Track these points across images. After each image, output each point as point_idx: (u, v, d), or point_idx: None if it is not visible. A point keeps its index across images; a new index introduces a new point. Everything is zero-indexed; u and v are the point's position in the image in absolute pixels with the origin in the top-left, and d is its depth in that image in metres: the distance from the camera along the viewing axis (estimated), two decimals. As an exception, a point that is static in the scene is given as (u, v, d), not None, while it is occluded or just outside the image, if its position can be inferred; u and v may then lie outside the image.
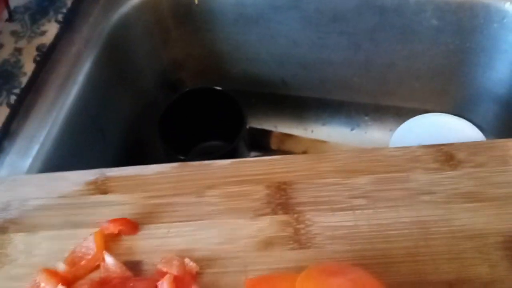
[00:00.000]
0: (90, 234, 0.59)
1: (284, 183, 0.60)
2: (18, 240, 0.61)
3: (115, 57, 0.88)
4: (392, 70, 0.98)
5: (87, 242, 0.58)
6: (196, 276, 0.55)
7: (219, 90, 0.97)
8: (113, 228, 0.58)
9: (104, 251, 0.57)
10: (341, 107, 1.09)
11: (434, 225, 0.56)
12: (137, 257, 0.58)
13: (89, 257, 0.57)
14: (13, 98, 0.73)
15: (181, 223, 0.60)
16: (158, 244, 0.58)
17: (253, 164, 0.63)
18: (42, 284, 0.55)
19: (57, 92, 0.79)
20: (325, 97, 1.08)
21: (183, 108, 0.97)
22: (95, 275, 0.57)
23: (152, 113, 0.95)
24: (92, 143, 0.84)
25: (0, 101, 0.74)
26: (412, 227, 0.55)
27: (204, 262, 0.56)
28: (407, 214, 0.57)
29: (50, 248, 0.60)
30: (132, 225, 0.59)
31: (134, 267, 0.57)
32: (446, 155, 0.60)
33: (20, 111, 0.75)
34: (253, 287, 0.48)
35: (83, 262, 0.57)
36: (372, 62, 0.97)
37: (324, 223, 0.57)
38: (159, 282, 0.53)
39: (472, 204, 0.56)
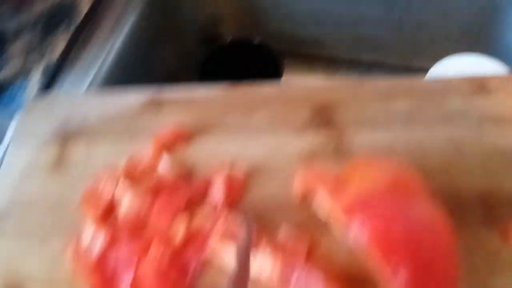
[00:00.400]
0: (147, 144, 0.63)
1: (327, 104, 0.65)
2: (79, 148, 0.66)
3: (162, 6, 0.93)
4: (424, 30, 1.01)
5: (143, 150, 0.63)
6: (244, 183, 0.59)
7: (258, 43, 1.02)
8: (168, 136, 0.62)
9: (160, 157, 0.62)
10: (372, 68, 1.13)
11: (467, 142, 0.59)
12: (189, 166, 0.62)
13: (146, 163, 0.62)
14: (72, 29, 0.79)
15: (230, 137, 0.64)
16: (210, 154, 0.63)
17: (297, 89, 0.67)
18: (104, 181, 0.60)
19: (111, 28, 0.84)
20: (357, 57, 1.12)
21: (222, 60, 1.02)
22: (151, 180, 0.61)
23: (193, 65, 1.00)
24: (138, 82, 0.89)
25: (60, 31, 0.79)
26: (447, 144, 0.59)
27: (252, 172, 0.60)
28: (442, 133, 0.60)
29: (109, 156, 0.65)
30: (185, 135, 0.63)
31: (187, 174, 0.62)
32: (479, 84, 0.64)
33: (79, 39, 0.81)
34: (304, 178, 0.52)
35: (140, 167, 0.62)
36: (404, 21, 1.01)
37: (365, 140, 0.61)
38: (213, 183, 0.58)
39: (504, 128, 0.60)
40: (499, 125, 0.60)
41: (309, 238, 0.53)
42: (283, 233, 0.54)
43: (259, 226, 0.55)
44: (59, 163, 0.65)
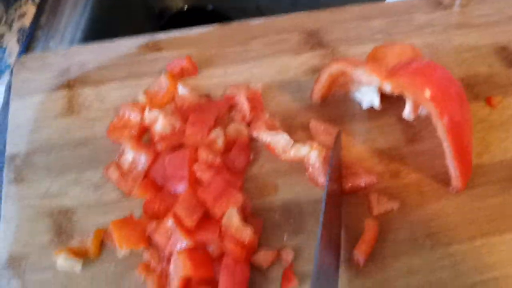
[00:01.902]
0: (160, 74, 0.66)
1: (316, 29, 0.72)
2: (87, 93, 0.67)
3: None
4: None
5: (159, 81, 0.66)
6: (261, 97, 0.64)
7: (211, 9, 1.07)
8: (179, 65, 0.66)
9: (175, 87, 0.65)
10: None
11: (440, 45, 0.70)
12: (204, 92, 0.66)
13: (164, 91, 0.65)
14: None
15: (234, 64, 0.69)
16: (219, 81, 0.67)
17: (285, 19, 0.74)
18: (127, 113, 0.62)
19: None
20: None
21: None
22: (170, 107, 0.64)
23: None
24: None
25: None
26: (423, 49, 0.70)
27: (264, 88, 0.66)
28: (416, 40, 0.71)
29: (120, 94, 0.67)
30: (193, 65, 0.67)
31: (204, 99, 0.66)
32: (437, 1, 0.76)
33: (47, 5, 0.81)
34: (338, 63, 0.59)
35: (159, 96, 0.65)
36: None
37: (357, 53, 0.69)
38: (236, 97, 0.63)
39: (465, 30, 0.72)
40: (461, 29, 0.72)
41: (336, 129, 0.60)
42: (314, 125, 0.60)
43: (286, 126, 0.61)
44: (71, 108, 0.66)
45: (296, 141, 0.59)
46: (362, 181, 0.55)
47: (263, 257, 0.51)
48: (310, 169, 0.56)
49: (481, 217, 0.55)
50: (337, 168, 0.55)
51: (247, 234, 0.51)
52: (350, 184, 0.55)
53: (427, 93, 0.49)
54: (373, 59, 0.57)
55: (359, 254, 0.51)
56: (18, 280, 0.52)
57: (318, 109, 0.63)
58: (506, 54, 0.69)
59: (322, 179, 0.55)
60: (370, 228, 0.53)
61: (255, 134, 0.59)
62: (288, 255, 0.52)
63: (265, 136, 0.59)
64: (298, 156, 0.57)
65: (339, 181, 0.55)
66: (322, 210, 0.50)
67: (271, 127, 0.59)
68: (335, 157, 0.55)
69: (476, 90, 0.65)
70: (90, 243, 0.53)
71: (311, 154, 0.56)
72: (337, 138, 0.57)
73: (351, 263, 0.52)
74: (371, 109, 0.62)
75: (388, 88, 0.51)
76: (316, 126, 0.60)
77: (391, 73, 0.50)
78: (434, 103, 0.48)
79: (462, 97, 0.53)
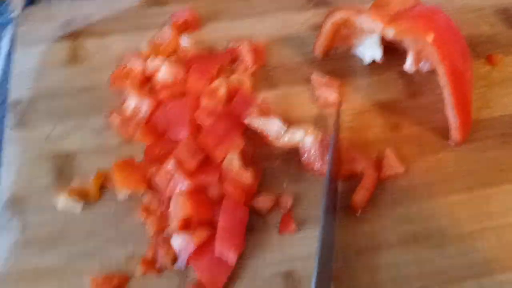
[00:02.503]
0: (164, 27, 0.66)
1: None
2: (91, 43, 0.67)
3: None
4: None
5: (163, 32, 0.66)
6: (264, 50, 0.65)
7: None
8: (183, 17, 0.66)
9: (179, 39, 0.65)
10: None
11: (442, 7, 0.69)
12: (207, 45, 0.66)
13: (167, 42, 0.65)
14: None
15: (237, 20, 0.69)
16: (222, 35, 0.67)
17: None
18: (130, 62, 0.62)
19: None
20: None
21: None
22: (173, 58, 0.64)
23: None
24: None
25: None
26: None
27: (267, 44, 0.66)
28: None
29: (123, 46, 0.67)
30: (197, 18, 0.67)
31: (207, 50, 0.66)
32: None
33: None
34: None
35: (162, 46, 0.65)
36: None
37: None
38: (239, 51, 0.63)
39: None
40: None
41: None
42: (316, 78, 0.61)
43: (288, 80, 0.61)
44: (74, 57, 0.66)
45: (296, 96, 0.59)
46: (359, 166, 0.54)
47: (262, 201, 0.52)
48: (306, 155, 0.55)
49: (480, 169, 0.55)
50: (336, 151, 0.54)
51: (247, 177, 0.51)
52: (348, 168, 0.54)
53: (430, 37, 0.49)
54: (377, 8, 0.57)
55: (358, 201, 0.52)
56: (18, 220, 0.53)
57: (320, 63, 0.64)
58: (508, 15, 0.69)
59: (318, 165, 0.54)
60: (369, 176, 0.53)
61: (246, 120, 0.57)
62: (287, 201, 0.52)
63: (257, 122, 0.56)
64: (292, 142, 0.55)
65: (338, 165, 0.54)
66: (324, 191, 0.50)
67: (264, 113, 0.57)
68: (335, 136, 0.54)
69: (478, 49, 0.65)
70: (90, 185, 0.53)
71: (306, 139, 0.55)
72: (337, 111, 0.57)
73: (349, 210, 0.52)
74: (372, 64, 0.62)
75: (390, 33, 0.51)
76: (318, 79, 0.61)
77: (394, 18, 0.51)
78: (436, 46, 0.48)
79: (464, 48, 0.53)
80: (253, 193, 0.52)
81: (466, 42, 0.58)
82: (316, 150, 0.54)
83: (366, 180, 0.53)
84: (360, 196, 0.52)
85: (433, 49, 0.49)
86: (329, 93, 0.59)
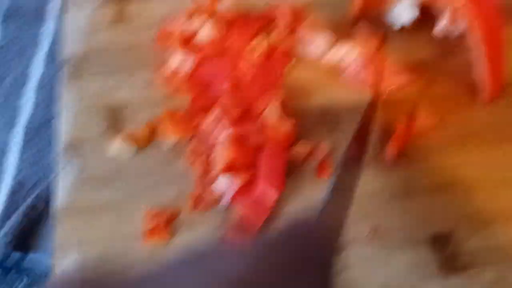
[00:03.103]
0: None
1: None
2: (135, 8, 0.71)
3: None
4: None
5: (203, -4, 0.69)
6: (302, 10, 0.67)
7: None
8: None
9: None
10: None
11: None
12: (245, 7, 0.69)
13: (207, 3, 0.68)
14: None
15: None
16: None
17: None
18: (175, 20, 0.66)
19: None
20: None
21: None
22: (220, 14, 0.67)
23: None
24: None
25: None
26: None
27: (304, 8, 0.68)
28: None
29: (166, 8, 0.70)
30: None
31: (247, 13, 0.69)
32: None
33: None
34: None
35: (203, 8, 0.68)
36: None
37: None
38: (278, 11, 0.66)
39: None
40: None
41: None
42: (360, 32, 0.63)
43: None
44: (120, 18, 0.70)
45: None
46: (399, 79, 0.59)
47: (301, 148, 0.55)
48: (350, 67, 0.59)
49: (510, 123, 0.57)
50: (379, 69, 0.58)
51: (286, 125, 0.55)
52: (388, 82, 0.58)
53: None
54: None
55: (391, 151, 0.55)
56: (77, 161, 0.57)
57: (355, 25, 0.66)
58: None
59: (361, 77, 0.59)
60: (402, 128, 0.56)
61: (299, 34, 0.62)
62: (324, 148, 0.56)
63: (307, 35, 0.62)
64: (339, 56, 0.60)
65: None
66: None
67: (315, 28, 0.62)
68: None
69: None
70: (142, 132, 0.58)
71: (352, 52, 0.59)
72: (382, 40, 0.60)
73: (380, 159, 0.55)
74: (403, 29, 0.64)
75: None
76: (363, 28, 0.63)
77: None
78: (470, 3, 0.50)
79: (497, 9, 0.55)
80: (291, 141, 0.56)
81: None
82: (360, 63, 0.59)
83: (399, 132, 0.56)
84: (394, 144, 0.55)
85: (467, 8, 0.51)
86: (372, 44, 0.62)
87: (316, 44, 0.61)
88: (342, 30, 0.65)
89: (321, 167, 0.55)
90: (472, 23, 0.52)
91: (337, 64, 0.62)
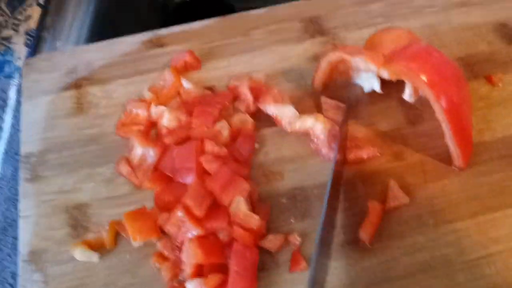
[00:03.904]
0: (165, 70, 0.68)
1: (316, 16, 0.73)
2: (95, 91, 0.69)
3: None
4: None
5: (163, 76, 0.67)
6: (265, 86, 0.66)
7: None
8: (183, 60, 0.68)
9: (180, 82, 0.67)
10: None
11: (439, 26, 0.71)
12: (208, 84, 0.68)
13: (169, 85, 0.66)
14: None
15: (237, 56, 0.71)
16: (223, 73, 0.69)
17: (285, 7, 0.75)
18: (134, 110, 0.64)
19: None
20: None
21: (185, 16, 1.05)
22: (180, 99, 0.66)
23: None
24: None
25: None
26: (422, 30, 0.70)
27: (267, 77, 0.67)
28: (416, 22, 0.72)
29: (126, 91, 0.69)
30: (196, 59, 0.69)
31: (208, 91, 0.67)
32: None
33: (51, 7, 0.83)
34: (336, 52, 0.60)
35: (164, 91, 0.66)
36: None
37: (355, 38, 0.70)
38: (238, 86, 0.64)
39: (464, 8, 0.72)
40: (461, 7, 0.72)
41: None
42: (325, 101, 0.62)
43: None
44: (80, 106, 0.68)
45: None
46: (365, 153, 0.57)
47: (272, 241, 0.53)
48: (315, 140, 0.59)
49: (484, 193, 0.56)
50: (343, 140, 0.57)
51: (254, 220, 0.53)
52: (353, 155, 0.57)
53: (424, 78, 0.50)
54: (371, 46, 0.58)
55: (365, 235, 0.53)
56: (40, 273, 0.55)
57: (320, 95, 0.64)
58: (506, 31, 0.69)
59: (326, 150, 0.58)
60: (374, 209, 0.54)
61: (262, 107, 0.62)
62: (295, 239, 0.54)
63: (272, 109, 0.61)
64: (304, 128, 0.60)
65: (343, 153, 0.57)
66: (329, 182, 0.52)
67: (279, 101, 0.61)
68: (342, 130, 0.57)
69: (476, 68, 0.66)
70: (105, 235, 0.55)
71: (317, 126, 0.59)
72: (345, 113, 0.59)
73: (356, 244, 0.54)
74: (372, 93, 0.63)
75: (385, 74, 0.53)
76: (327, 101, 0.62)
77: (388, 60, 0.52)
78: (431, 87, 0.49)
79: (459, 78, 0.54)
80: (262, 234, 0.54)
81: (463, 66, 0.59)
82: (325, 137, 0.58)
83: (372, 214, 0.54)
84: (367, 229, 0.53)
85: (428, 90, 0.50)
86: (337, 116, 0.61)
87: (282, 116, 0.60)
88: (307, 101, 0.64)
89: (294, 259, 0.53)
90: (434, 104, 0.50)
91: (303, 134, 0.60)
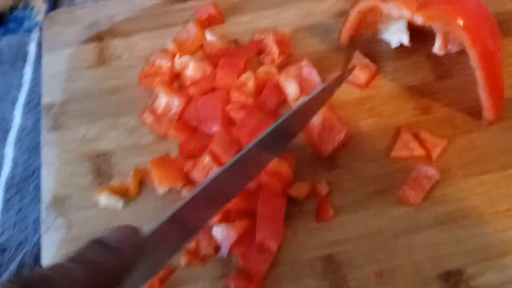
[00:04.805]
0: (188, 24, 0.67)
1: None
2: (117, 43, 0.68)
3: None
4: None
5: (187, 29, 0.66)
6: (289, 40, 0.65)
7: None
8: (206, 12, 0.67)
9: (204, 34, 0.66)
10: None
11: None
12: (231, 39, 0.67)
13: (192, 38, 0.66)
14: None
15: (261, 10, 0.69)
16: (247, 27, 0.68)
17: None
18: (158, 60, 0.63)
19: None
20: None
21: None
22: (199, 54, 0.65)
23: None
24: None
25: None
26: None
27: (292, 32, 0.66)
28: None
29: (149, 44, 0.68)
30: (220, 12, 0.68)
31: (232, 44, 0.66)
32: None
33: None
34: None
35: (188, 43, 0.65)
36: None
37: None
38: (264, 40, 0.63)
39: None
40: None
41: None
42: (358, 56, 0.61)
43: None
44: (102, 58, 0.67)
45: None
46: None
47: (298, 189, 0.53)
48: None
49: (513, 147, 0.55)
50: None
51: (282, 167, 0.52)
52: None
53: (460, 22, 0.49)
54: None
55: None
56: (63, 218, 0.54)
57: (347, 50, 0.64)
58: (535, -10, 0.68)
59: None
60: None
61: (281, 78, 0.60)
62: (323, 188, 0.53)
63: (283, 83, 0.59)
64: None
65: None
66: None
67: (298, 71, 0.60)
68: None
69: (506, 26, 0.65)
70: (130, 182, 0.55)
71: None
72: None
73: (386, 194, 0.53)
74: (399, 48, 0.62)
75: (419, 20, 0.52)
76: (359, 57, 0.61)
77: (422, 4, 0.51)
78: (467, 31, 0.48)
79: (494, 27, 0.53)
80: (289, 182, 0.53)
81: (493, 18, 0.57)
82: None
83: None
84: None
85: (464, 34, 0.49)
86: (363, 75, 0.59)
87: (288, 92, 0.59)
88: (333, 57, 0.63)
89: (321, 208, 0.52)
90: (470, 49, 0.49)
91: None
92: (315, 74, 0.60)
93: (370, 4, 0.55)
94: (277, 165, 0.52)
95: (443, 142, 0.54)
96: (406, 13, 0.52)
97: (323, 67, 0.62)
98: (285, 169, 0.52)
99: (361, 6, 0.56)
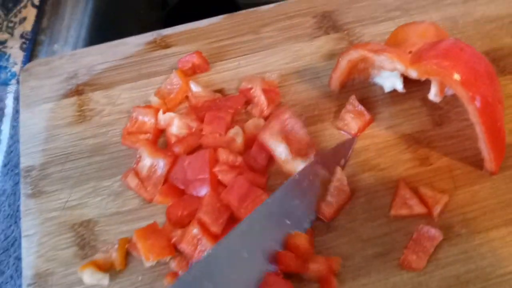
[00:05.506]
0: (171, 73, 0.64)
1: (329, 11, 0.69)
2: (97, 97, 0.65)
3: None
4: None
5: (170, 80, 0.63)
6: (278, 88, 0.62)
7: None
8: (190, 62, 0.63)
9: (189, 82, 0.63)
10: None
11: (460, 19, 0.67)
12: (217, 87, 0.64)
13: (176, 90, 0.62)
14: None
15: (247, 55, 0.66)
16: (233, 74, 0.65)
17: (294, 2, 0.71)
18: (140, 117, 0.60)
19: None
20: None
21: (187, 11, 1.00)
22: (189, 104, 0.62)
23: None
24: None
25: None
26: (443, 23, 0.66)
27: (281, 78, 0.63)
28: (436, 15, 0.67)
29: (131, 96, 0.65)
30: (205, 60, 0.65)
31: (218, 94, 0.63)
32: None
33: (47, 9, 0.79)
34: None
35: (172, 95, 0.62)
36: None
37: (373, 33, 0.66)
38: (251, 90, 0.60)
39: (488, 1, 0.68)
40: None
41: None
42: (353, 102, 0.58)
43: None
44: (82, 114, 0.64)
45: (319, 131, 0.57)
46: None
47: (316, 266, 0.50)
48: None
49: (519, 198, 0.52)
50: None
51: (300, 241, 0.49)
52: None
53: (457, 77, 0.46)
54: (395, 42, 0.54)
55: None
56: (47, 299, 0.51)
57: (338, 96, 0.61)
58: (530, 22, 0.65)
59: None
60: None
61: (264, 138, 0.56)
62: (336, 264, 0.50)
63: (270, 143, 0.55)
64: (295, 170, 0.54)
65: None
66: None
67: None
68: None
69: (502, 64, 0.62)
70: (115, 255, 0.51)
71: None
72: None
73: (387, 258, 0.50)
74: (393, 93, 0.59)
75: (414, 74, 0.49)
76: (354, 103, 0.58)
77: (416, 57, 0.48)
78: (465, 86, 0.45)
79: (492, 75, 0.50)
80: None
81: (490, 64, 0.54)
82: None
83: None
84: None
85: (462, 90, 0.46)
86: (355, 123, 0.57)
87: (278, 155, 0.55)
88: (325, 103, 0.60)
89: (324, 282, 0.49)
90: (469, 105, 0.47)
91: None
92: (299, 127, 0.56)
93: (360, 55, 0.52)
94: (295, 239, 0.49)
95: (444, 198, 0.51)
96: (400, 66, 0.49)
97: (313, 116, 0.59)
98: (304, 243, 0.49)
99: (351, 56, 0.53)
